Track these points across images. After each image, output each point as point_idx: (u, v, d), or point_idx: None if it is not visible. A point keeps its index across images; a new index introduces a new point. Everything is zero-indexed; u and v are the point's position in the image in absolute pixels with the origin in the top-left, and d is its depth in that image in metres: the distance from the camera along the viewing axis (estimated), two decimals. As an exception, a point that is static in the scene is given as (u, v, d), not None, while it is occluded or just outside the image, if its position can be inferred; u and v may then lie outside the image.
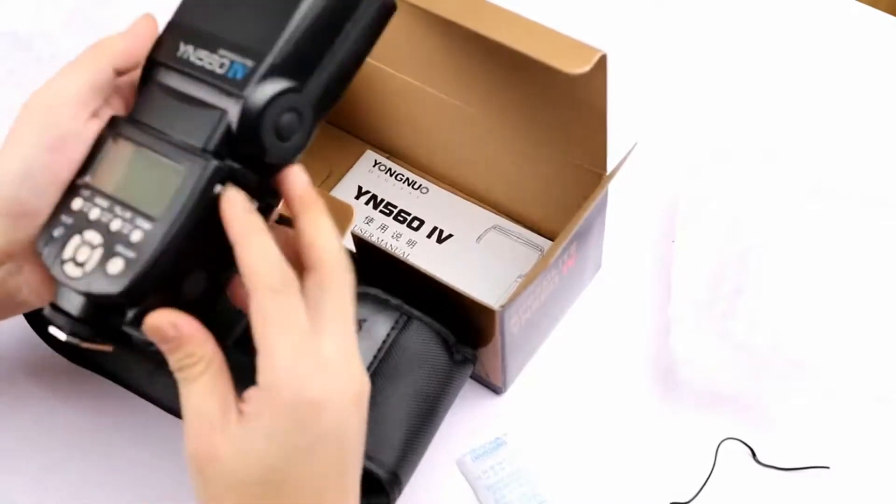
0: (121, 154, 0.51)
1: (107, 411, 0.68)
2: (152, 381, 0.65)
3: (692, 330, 0.68)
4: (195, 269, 0.51)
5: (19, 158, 0.51)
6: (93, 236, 0.50)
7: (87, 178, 0.51)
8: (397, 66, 0.72)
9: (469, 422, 0.68)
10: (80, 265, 0.49)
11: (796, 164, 0.79)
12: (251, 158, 0.50)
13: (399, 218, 0.76)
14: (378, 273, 0.63)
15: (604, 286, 0.74)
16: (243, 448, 0.47)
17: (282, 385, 0.46)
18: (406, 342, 0.61)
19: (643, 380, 0.70)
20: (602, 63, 0.57)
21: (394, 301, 0.62)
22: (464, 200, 0.77)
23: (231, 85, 0.49)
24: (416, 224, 0.76)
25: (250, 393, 0.48)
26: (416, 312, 0.62)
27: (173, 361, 0.48)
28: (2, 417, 0.68)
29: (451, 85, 0.70)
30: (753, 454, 0.66)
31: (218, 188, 0.49)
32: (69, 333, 0.50)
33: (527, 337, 0.67)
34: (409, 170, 0.79)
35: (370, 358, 0.60)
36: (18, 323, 0.68)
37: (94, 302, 0.50)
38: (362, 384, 0.49)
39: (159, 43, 0.52)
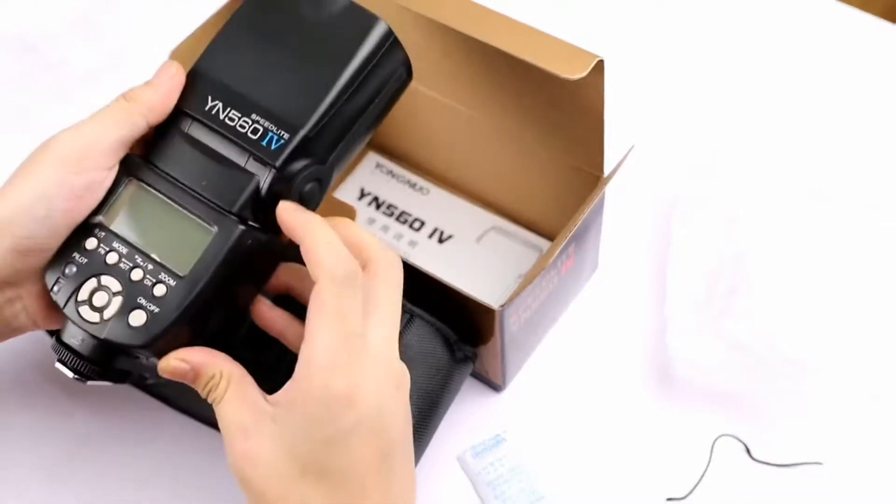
0: (143, 203, 0.51)
1: (117, 410, 0.68)
2: (164, 380, 0.66)
3: (688, 329, 0.68)
4: (217, 314, 0.52)
5: (40, 198, 0.50)
6: (111, 282, 0.50)
7: (101, 219, 0.51)
8: (399, 70, 0.73)
9: (469, 419, 0.68)
10: (98, 310, 0.50)
11: (792, 167, 0.79)
12: (270, 219, 0.51)
13: (400, 219, 0.77)
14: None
15: (601, 286, 0.74)
16: (279, 444, 0.47)
17: (312, 378, 0.47)
18: (408, 340, 0.62)
19: (640, 378, 0.70)
20: (599, 67, 0.58)
21: None
22: (464, 202, 0.77)
23: (265, 153, 0.50)
24: (417, 225, 0.76)
25: (285, 387, 0.48)
26: (417, 310, 0.62)
27: (199, 390, 0.50)
28: (11, 415, 0.68)
29: (452, 89, 0.71)
30: (748, 450, 0.66)
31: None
32: (76, 372, 0.51)
33: (526, 336, 0.67)
34: (411, 172, 0.79)
35: None
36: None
37: (109, 347, 0.50)
38: (403, 371, 0.51)
39: (184, 91, 0.52)
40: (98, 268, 0.50)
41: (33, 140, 0.83)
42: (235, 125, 0.50)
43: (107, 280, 0.50)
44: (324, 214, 0.62)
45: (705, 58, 0.87)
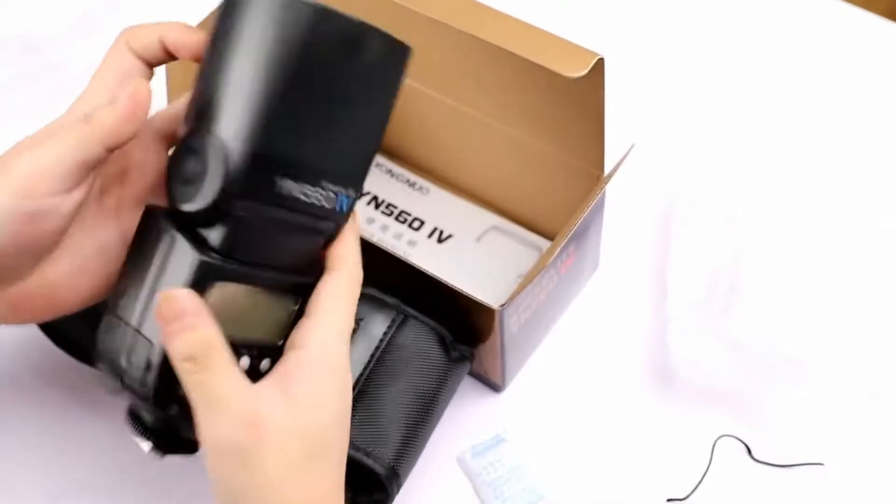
0: (228, 299, 0.49)
1: (115, 410, 0.68)
2: None
3: (688, 328, 0.68)
4: None
5: None
6: None
7: None
8: (398, 69, 0.73)
9: (469, 419, 0.68)
10: None
11: (792, 166, 0.79)
12: None
13: (400, 218, 0.77)
14: (379, 273, 0.64)
15: (601, 285, 0.74)
16: (296, 419, 0.47)
17: (331, 349, 0.49)
18: (402, 340, 0.62)
19: (640, 378, 0.70)
20: (599, 66, 0.58)
21: (390, 300, 0.63)
22: (464, 201, 0.77)
23: (337, 216, 0.51)
24: (416, 224, 0.76)
25: (291, 361, 0.48)
26: (412, 311, 0.63)
27: (185, 347, 0.46)
28: (9, 416, 0.68)
29: (452, 88, 0.71)
30: (749, 451, 0.66)
31: None
32: (158, 447, 0.51)
33: (526, 336, 0.67)
34: (410, 171, 0.79)
35: (367, 356, 0.61)
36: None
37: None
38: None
39: (248, 179, 0.48)
40: None
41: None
42: (312, 200, 0.49)
43: None
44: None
45: (706, 56, 0.87)
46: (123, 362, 0.48)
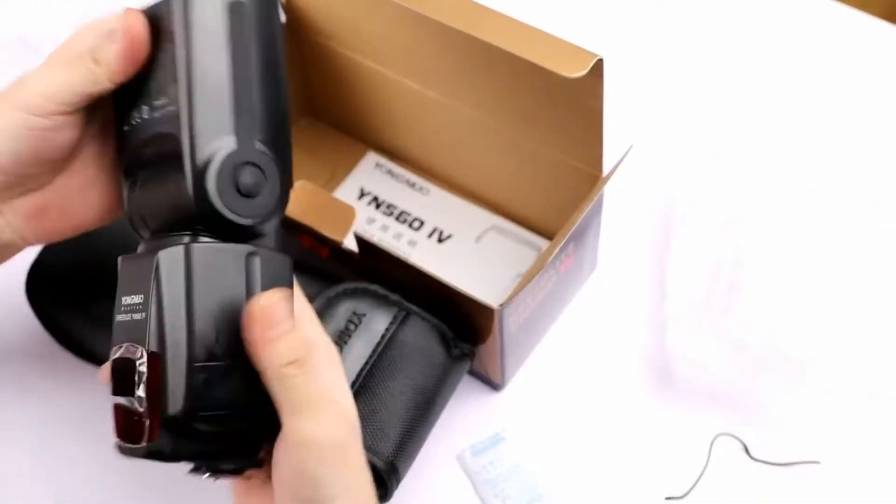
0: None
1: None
2: None
3: (687, 328, 0.69)
4: None
5: (6, 133, 0.51)
6: None
7: None
8: (398, 70, 0.73)
9: (468, 418, 0.68)
10: None
11: (790, 166, 0.79)
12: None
13: (400, 219, 0.77)
14: (379, 273, 0.64)
15: (600, 285, 0.74)
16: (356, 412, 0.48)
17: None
18: (404, 337, 0.62)
19: (639, 377, 0.70)
20: (598, 67, 0.58)
21: (392, 297, 0.63)
22: (463, 201, 0.77)
23: None
24: (416, 225, 0.77)
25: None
26: (414, 308, 0.63)
27: (289, 351, 0.45)
28: (14, 416, 0.69)
29: (452, 88, 0.71)
30: (747, 449, 0.67)
31: None
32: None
33: (525, 335, 0.67)
34: (410, 171, 0.79)
35: (369, 351, 0.61)
36: (25, 315, 0.69)
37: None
38: None
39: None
40: None
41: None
42: None
43: None
44: (324, 215, 0.63)
45: (705, 57, 0.88)
46: (227, 402, 0.46)
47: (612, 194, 0.72)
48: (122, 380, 0.46)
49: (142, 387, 0.45)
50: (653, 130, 0.82)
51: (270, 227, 0.49)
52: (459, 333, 0.64)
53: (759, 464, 0.66)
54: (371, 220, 0.77)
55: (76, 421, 0.68)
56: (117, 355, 0.46)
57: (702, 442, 0.67)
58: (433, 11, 0.62)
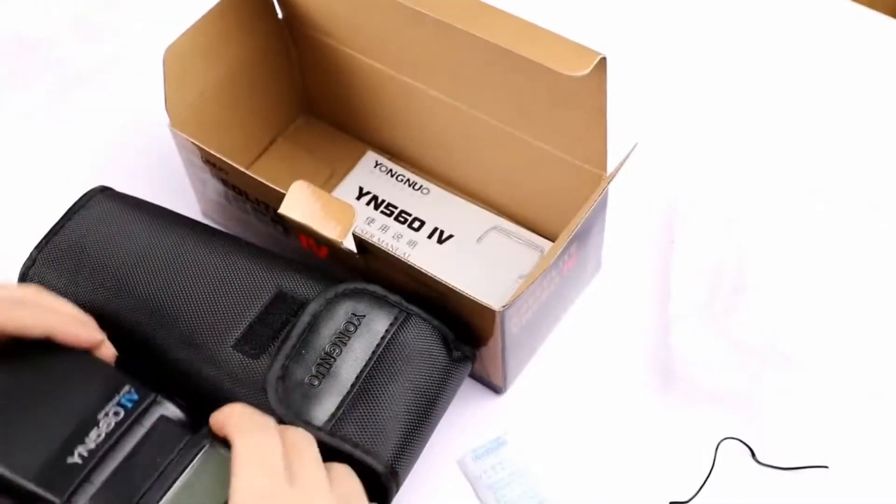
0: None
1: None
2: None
3: (691, 329, 0.68)
4: None
5: None
6: None
7: None
8: (398, 69, 0.72)
9: (469, 421, 0.68)
10: None
11: (794, 165, 0.79)
12: None
13: (400, 219, 0.76)
14: (379, 273, 0.64)
15: (603, 286, 0.74)
16: None
17: None
18: (405, 338, 0.61)
19: (643, 379, 0.70)
20: (602, 65, 0.57)
21: (393, 297, 0.62)
22: (464, 201, 0.77)
23: None
24: (416, 225, 0.76)
25: None
26: (414, 309, 0.62)
27: None
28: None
29: (453, 87, 0.70)
30: (753, 453, 0.66)
31: None
32: None
33: (527, 337, 0.67)
34: (410, 171, 0.79)
35: (369, 353, 0.61)
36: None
37: None
38: None
39: None
40: None
41: (30, 139, 0.84)
42: None
43: None
44: (323, 215, 0.62)
45: (709, 55, 0.87)
46: None
47: (616, 194, 0.72)
48: None
49: None
50: (656, 130, 0.82)
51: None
52: (460, 335, 0.63)
53: (766, 468, 0.66)
54: (370, 220, 0.76)
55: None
56: None
57: (707, 445, 0.67)
58: (434, 9, 0.62)
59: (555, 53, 0.57)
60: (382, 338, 0.61)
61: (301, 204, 0.63)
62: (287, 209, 0.63)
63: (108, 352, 0.57)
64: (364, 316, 0.62)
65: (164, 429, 0.54)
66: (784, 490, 0.65)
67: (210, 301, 0.62)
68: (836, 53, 0.87)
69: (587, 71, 0.56)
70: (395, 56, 0.71)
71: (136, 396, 0.55)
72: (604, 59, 0.57)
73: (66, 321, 0.55)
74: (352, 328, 0.61)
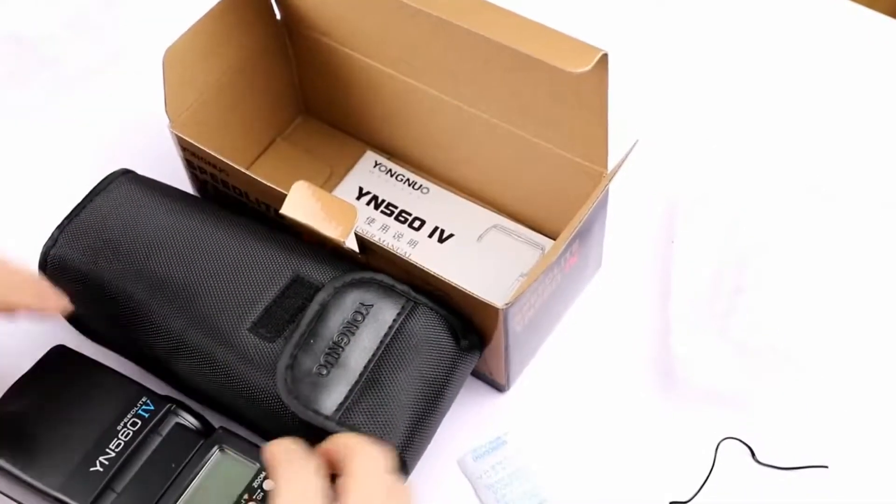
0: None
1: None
2: (173, 361, 0.65)
3: (692, 329, 0.68)
4: None
5: None
6: None
7: None
8: (397, 68, 0.72)
9: (469, 421, 0.68)
10: None
11: (796, 165, 0.79)
12: None
13: (400, 218, 0.76)
14: (381, 273, 0.63)
15: (604, 284, 0.74)
16: None
17: None
18: (412, 328, 0.61)
19: (643, 379, 0.70)
20: (603, 62, 0.57)
21: (400, 287, 0.62)
22: (464, 200, 0.77)
23: None
24: (417, 224, 0.76)
25: None
26: (422, 299, 0.62)
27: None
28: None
29: (452, 85, 0.70)
30: (753, 453, 0.66)
31: None
32: None
33: (529, 335, 0.67)
34: (410, 170, 0.79)
35: (377, 343, 0.61)
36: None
37: None
38: None
39: None
40: None
41: (28, 138, 0.83)
42: None
43: None
44: (324, 214, 0.62)
45: (710, 53, 0.87)
46: None
47: (617, 192, 0.72)
48: None
49: None
50: (657, 128, 0.82)
51: None
52: (463, 333, 0.63)
53: (766, 468, 0.66)
54: (371, 220, 0.76)
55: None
56: None
57: (707, 445, 0.67)
58: (433, 6, 0.62)
59: (556, 50, 0.57)
60: (390, 327, 0.61)
61: (302, 204, 0.63)
62: (288, 209, 0.62)
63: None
64: (372, 305, 0.62)
65: (178, 436, 0.59)
66: (784, 490, 0.65)
67: (228, 283, 0.62)
68: (836, 53, 0.87)
69: (588, 67, 0.56)
70: (394, 55, 0.71)
71: (152, 407, 0.60)
72: (605, 55, 0.57)
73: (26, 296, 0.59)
74: (360, 317, 0.61)
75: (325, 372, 0.59)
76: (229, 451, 0.59)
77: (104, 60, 0.88)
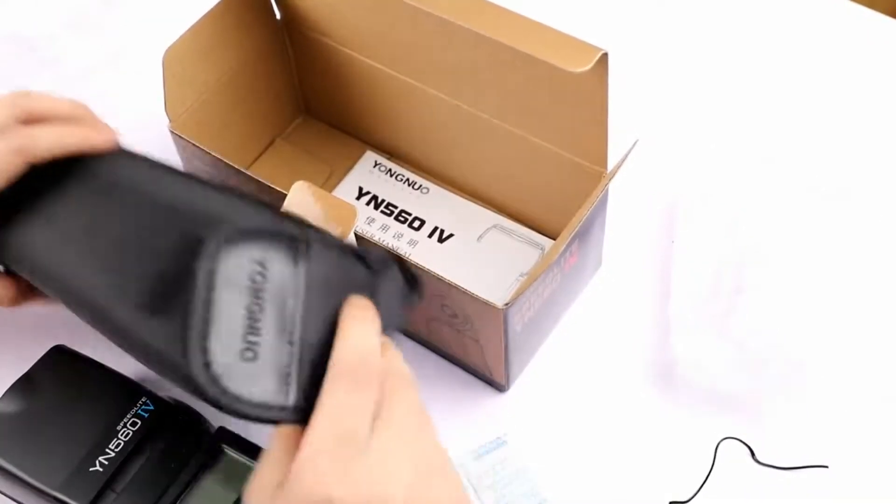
0: None
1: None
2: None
3: (692, 329, 0.68)
4: None
5: None
6: None
7: None
8: (397, 67, 0.72)
9: (469, 421, 0.68)
10: None
11: (795, 165, 0.79)
12: None
13: (400, 218, 0.76)
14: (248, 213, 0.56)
15: (604, 284, 0.74)
16: None
17: (298, 474, 0.46)
18: (317, 272, 0.51)
19: (643, 379, 0.70)
20: (603, 61, 0.57)
21: (286, 227, 0.52)
22: (464, 200, 0.77)
23: None
24: (416, 224, 0.76)
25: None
26: (312, 234, 0.52)
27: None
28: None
29: (452, 85, 0.70)
30: (752, 453, 0.66)
31: None
32: None
33: (529, 335, 0.67)
34: (410, 170, 0.79)
35: (291, 303, 0.50)
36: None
37: None
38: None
39: None
40: None
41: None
42: None
43: None
44: (324, 214, 0.62)
45: (710, 53, 0.87)
46: None
47: (617, 192, 0.72)
48: None
49: None
50: (658, 126, 0.82)
51: None
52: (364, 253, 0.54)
53: (766, 468, 0.66)
54: (371, 220, 0.76)
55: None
56: None
57: (707, 445, 0.67)
58: (433, 6, 0.62)
59: (556, 49, 0.57)
60: (295, 282, 0.50)
61: (302, 204, 0.62)
62: (288, 210, 0.62)
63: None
64: (264, 262, 0.50)
65: (178, 436, 0.60)
66: (784, 490, 0.65)
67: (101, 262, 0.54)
68: (836, 53, 0.87)
69: (588, 67, 0.56)
70: (394, 55, 0.71)
71: (152, 407, 0.60)
72: (605, 55, 0.57)
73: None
74: (259, 278, 0.50)
75: (250, 356, 0.48)
76: (229, 451, 0.60)
77: (104, 60, 0.88)
